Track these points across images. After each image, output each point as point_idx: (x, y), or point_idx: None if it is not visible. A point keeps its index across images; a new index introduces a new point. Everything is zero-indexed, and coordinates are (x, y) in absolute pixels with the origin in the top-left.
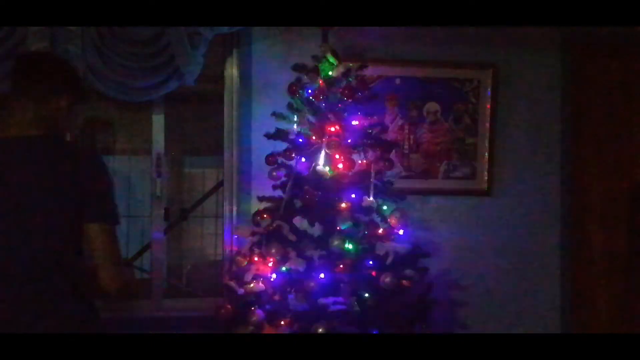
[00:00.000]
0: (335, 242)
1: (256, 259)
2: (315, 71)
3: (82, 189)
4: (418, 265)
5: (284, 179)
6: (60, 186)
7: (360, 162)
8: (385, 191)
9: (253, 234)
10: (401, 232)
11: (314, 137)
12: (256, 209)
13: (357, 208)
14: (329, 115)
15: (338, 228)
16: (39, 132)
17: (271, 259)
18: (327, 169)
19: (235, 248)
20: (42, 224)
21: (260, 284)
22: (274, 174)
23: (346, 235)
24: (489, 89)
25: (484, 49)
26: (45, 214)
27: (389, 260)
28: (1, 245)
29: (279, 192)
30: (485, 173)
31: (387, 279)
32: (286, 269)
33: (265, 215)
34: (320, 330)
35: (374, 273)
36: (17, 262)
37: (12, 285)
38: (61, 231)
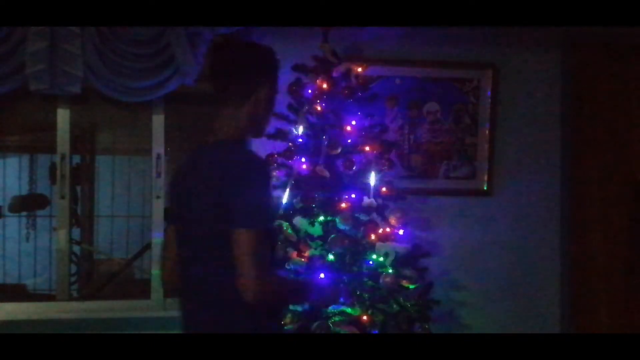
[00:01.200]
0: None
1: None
2: (316, 71)
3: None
4: (418, 265)
5: (284, 179)
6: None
7: (360, 162)
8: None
9: None
10: (401, 232)
11: (314, 137)
12: None
13: (357, 208)
14: (329, 115)
15: (338, 228)
16: (233, 136)
17: None
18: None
19: None
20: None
21: None
22: (274, 174)
23: (346, 236)
24: (489, 89)
25: (484, 49)
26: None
27: (389, 260)
28: (190, 254)
29: (279, 192)
30: (485, 173)
31: (387, 279)
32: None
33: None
34: (319, 330)
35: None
36: (201, 268)
37: (195, 291)
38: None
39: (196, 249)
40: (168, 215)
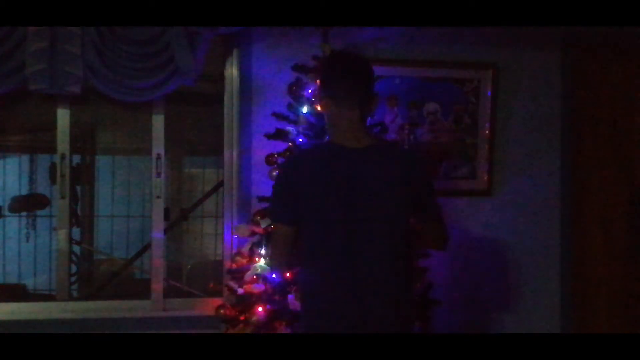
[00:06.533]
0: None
1: (256, 259)
2: (315, 71)
3: None
4: (418, 265)
5: None
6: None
7: None
8: None
9: (253, 234)
10: None
11: (314, 137)
12: (256, 209)
13: None
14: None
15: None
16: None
17: None
18: None
19: (235, 248)
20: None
21: (260, 284)
22: (274, 174)
23: None
24: (489, 89)
25: (484, 49)
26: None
27: None
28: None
29: None
30: (485, 173)
31: None
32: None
33: (265, 216)
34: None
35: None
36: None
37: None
38: None
39: (377, 246)
40: (283, 213)
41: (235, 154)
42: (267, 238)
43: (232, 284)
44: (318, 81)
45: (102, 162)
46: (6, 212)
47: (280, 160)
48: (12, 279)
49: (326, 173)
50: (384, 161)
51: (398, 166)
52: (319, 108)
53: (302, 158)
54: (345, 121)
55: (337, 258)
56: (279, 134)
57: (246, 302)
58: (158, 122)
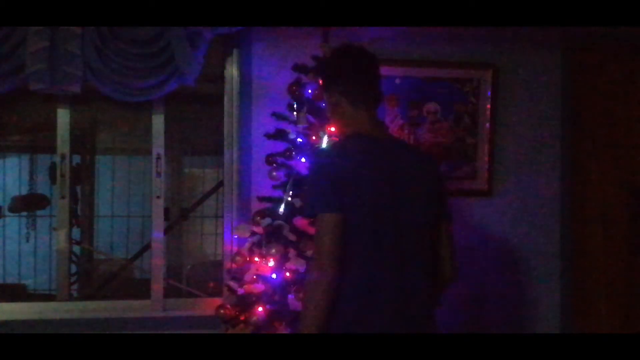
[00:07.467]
0: None
1: (256, 259)
2: (315, 71)
3: None
4: None
5: (284, 179)
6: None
7: None
8: None
9: (253, 234)
10: None
11: (314, 137)
12: (256, 209)
13: None
14: (329, 115)
15: None
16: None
17: (271, 259)
18: None
19: (235, 248)
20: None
21: (260, 284)
22: (274, 174)
23: None
24: (489, 89)
25: (484, 49)
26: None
27: None
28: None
29: (279, 192)
30: (485, 173)
31: None
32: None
33: (265, 215)
34: None
35: None
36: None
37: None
38: None
39: (416, 250)
40: (336, 204)
41: (235, 154)
42: (268, 238)
43: (232, 284)
44: (324, 77)
45: (102, 162)
46: (6, 212)
47: (280, 160)
48: (12, 279)
49: (374, 165)
50: (418, 159)
51: (428, 165)
52: (325, 104)
53: (344, 148)
54: (365, 116)
55: (387, 256)
56: (279, 134)
57: (246, 302)
58: (158, 122)
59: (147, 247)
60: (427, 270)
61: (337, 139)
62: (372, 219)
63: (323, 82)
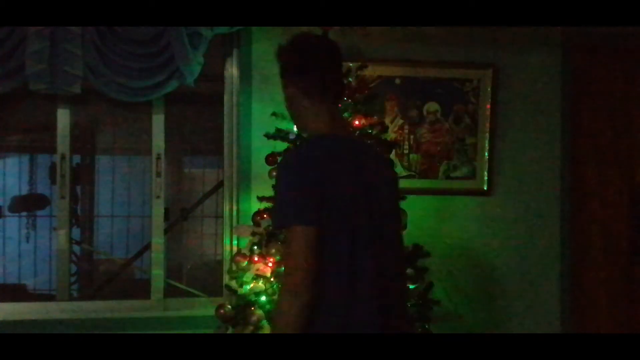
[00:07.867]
0: None
1: (256, 259)
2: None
3: None
4: (418, 265)
5: None
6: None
7: None
8: None
9: (253, 234)
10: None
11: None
12: (256, 209)
13: None
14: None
15: None
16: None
17: (271, 259)
18: None
19: (235, 248)
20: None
21: (260, 284)
22: (274, 174)
23: None
24: (489, 89)
25: (484, 49)
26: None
27: None
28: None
29: None
30: (485, 173)
31: None
32: None
33: (265, 215)
34: None
35: None
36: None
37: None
38: None
39: (392, 257)
40: (309, 214)
41: (235, 154)
42: (268, 238)
43: (232, 284)
44: (280, 68)
45: (102, 162)
46: (6, 212)
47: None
48: (12, 279)
49: (349, 169)
50: (379, 160)
51: (388, 167)
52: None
53: (319, 151)
54: (324, 113)
55: (367, 267)
56: (279, 134)
57: (246, 302)
58: (158, 122)
59: (147, 247)
60: (404, 274)
61: (302, 142)
62: (350, 228)
63: (280, 73)
